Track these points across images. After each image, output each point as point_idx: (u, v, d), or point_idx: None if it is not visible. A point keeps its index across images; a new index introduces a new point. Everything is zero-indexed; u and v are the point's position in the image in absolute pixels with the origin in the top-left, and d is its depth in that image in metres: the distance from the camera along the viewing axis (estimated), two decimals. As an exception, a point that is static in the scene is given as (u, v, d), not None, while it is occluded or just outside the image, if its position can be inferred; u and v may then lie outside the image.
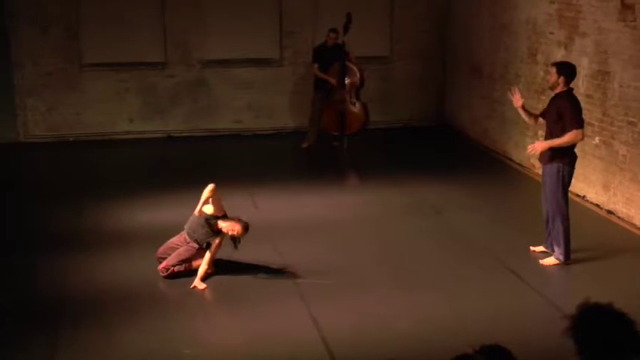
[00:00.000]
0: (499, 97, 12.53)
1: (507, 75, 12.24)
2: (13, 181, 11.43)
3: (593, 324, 3.26)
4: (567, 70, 7.84)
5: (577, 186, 10.33)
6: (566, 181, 7.93)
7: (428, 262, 8.22)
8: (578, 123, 7.72)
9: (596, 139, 9.85)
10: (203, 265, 7.65)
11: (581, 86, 10.16)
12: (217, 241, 7.72)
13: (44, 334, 6.67)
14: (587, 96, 10.02)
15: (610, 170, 9.60)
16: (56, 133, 13.46)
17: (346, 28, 12.39)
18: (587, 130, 9.98)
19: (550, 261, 8.06)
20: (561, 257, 8.00)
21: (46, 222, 9.50)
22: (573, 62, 10.27)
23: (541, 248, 8.31)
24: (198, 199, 7.78)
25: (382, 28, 14.26)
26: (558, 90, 7.84)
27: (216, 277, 7.77)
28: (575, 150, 8.00)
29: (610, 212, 9.59)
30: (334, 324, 6.83)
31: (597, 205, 9.86)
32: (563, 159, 7.86)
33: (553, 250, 8.13)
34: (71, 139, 13.52)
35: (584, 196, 10.16)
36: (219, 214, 7.75)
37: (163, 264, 7.77)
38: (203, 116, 13.93)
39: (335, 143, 12.76)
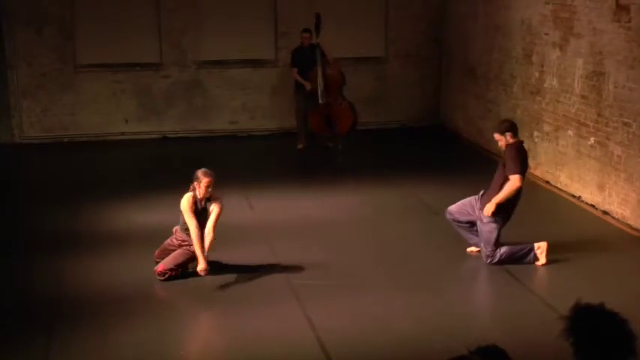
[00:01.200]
0: (494, 97, 12.55)
1: (502, 75, 12.26)
2: (8, 182, 11.41)
3: (585, 324, 3.27)
4: (507, 125, 8.10)
5: (572, 186, 10.35)
6: (498, 232, 8.01)
7: (424, 263, 8.23)
8: (518, 170, 7.89)
9: (591, 140, 9.87)
10: (208, 233, 7.59)
11: (576, 87, 10.19)
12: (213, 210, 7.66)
13: (39, 335, 6.65)
14: (582, 97, 10.04)
15: (605, 171, 9.62)
16: (51, 134, 13.45)
17: (317, 29, 12.34)
18: (583, 130, 10.03)
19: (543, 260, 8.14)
20: (532, 259, 8.12)
21: (41, 223, 9.49)
22: (568, 63, 10.33)
23: (473, 249, 8.36)
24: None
25: (377, 29, 14.27)
26: (508, 145, 8.02)
27: (211, 278, 7.76)
28: (516, 205, 8.05)
29: (605, 213, 9.61)
30: (330, 325, 6.83)
31: (592, 206, 9.88)
32: (500, 213, 7.96)
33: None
34: (66, 140, 13.51)
35: (579, 197, 10.18)
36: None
37: (160, 267, 7.76)
38: (198, 117, 13.93)
39: (330, 144, 12.76)
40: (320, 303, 7.30)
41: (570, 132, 10.38)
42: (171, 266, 7.74)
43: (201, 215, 7.70)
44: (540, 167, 11.20)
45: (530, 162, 11.39)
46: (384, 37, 14.34)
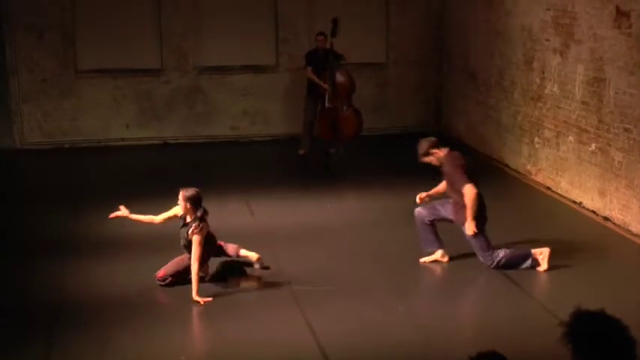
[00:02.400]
0: (494, 103, 12.56)
1: (503, 82, 12.26)
2: (9, 188, 11.42)
3: (586, 331, 3.26)
4: (427, 145, 8.20)
5: (573, 192, 10.34)
6: (486, 236, 8.08)
7: (425, 269, 8.22)
8: (465, 180, 7.92)
9: (592, 146, 9.87)
10: (193, 274, 7.49)
11: (577, 93, 10.19)
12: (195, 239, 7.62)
13: (40, 339, 6.65)
14: (583, 103, 10.04)
15: (606, 177, 9.61)
16: (52, 140, 13.46)
17: (333, 33, 12.35)
18: (584, 136, 10.02)
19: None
20: (533, 263, 8.14)
21: (42, 228, 9.49)
22: (568, 69, 10.33)
23: (434, 257, 8.36)
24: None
25: (378, 35, 14.28)
26: (442, 160, 8.10)
27: (212, 284, 7.76)
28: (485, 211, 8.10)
29: (606, 219, 9.60)
30: (330, 330, 6.82)
31: (593, 212, 9.87)
32: (478, 220, 8.00)
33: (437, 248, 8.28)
34: (67, 145, 13.52)
35: (580, 203, 10.17)
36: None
37: (161, 272, 7.76)
38: (199, 123, 13.93)
39: (331, 150, 12.75)
40: (321, 308, 7.29)
41: (571, 138, 10.38)
42: (172, 272, 7.74)
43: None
44: (541, 173, 11.20)
45: (531, 168, 11.42)
46: (384, 42, 14.34)
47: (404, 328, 6.93)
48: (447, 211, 8.24)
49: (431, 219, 8.31)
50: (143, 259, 8.40)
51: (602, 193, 9.72)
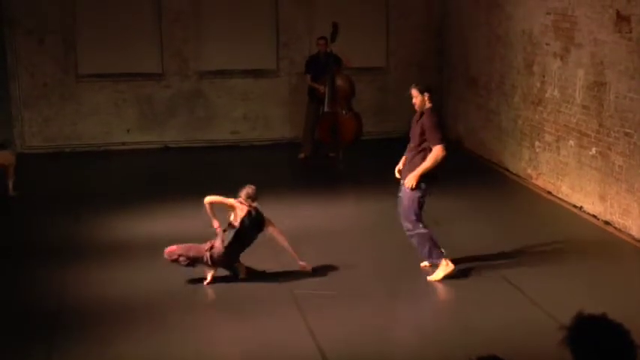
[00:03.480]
0: (495, 107, 12.56)
1: (503, 86, 12.27)
2: (9, 192, 11.41)
3: (588, 335, 3.26)
4: (428, 85, 8.04)
5: (574, 197, 10.34)
6: (422, 201, 7.88)
7: (425, 273, 8.21)
8: (440, 139, 7.75)
9: (593, 150, 9.87)
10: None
11: (577, 97, 10.19)
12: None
13: (40, 345, 6.64)
14: (584, 107, 10.04)
15: (607, 181, 9.61)
16: (53, 144, 13.47)
17: (333, 38, 12.38)
18: (584, 140, 10.02)
19: (437, 276, 7.91)
20: (435, 261, 7.93)
21: (42, 233, 9.49)
22: (569, 73, 10.34)
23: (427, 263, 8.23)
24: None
25: (378, 39, 14.29)
26: (426, 107, 7.91)
27: (213, 288, 7.77)
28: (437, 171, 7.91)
29: (607, 223, 9.60)
30: (331, 334, 6.82)
31: (594, 216, 9.87)
32: (424, 181, 7.81)
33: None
34: (68, 149, 13.52)
35: (581, 207, 10.17)
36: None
37: (173, 247, 7.77)
38: (200, 127, 13.95)
39: (331, 154, 12.76)
40: (321, 312, 7.29)
41: (571, 142, 10.38)
42: (182, 252, 7.73)
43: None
44: (542, 177, 11.20)
45: (532, 172, 11.42)
46: (385, 47, 14.36)
47: (404, 332, 6.93)
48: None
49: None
50: (144, 264, 8.41)
51: (602, 198, 9.72)
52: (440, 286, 7.88)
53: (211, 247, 7.78)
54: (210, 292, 7.72)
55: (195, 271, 7.92)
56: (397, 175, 8.17)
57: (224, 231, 7.80)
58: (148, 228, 9.61)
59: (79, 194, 11.14)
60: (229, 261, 7.85)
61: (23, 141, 13.45)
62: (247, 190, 7.94)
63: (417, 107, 8.00)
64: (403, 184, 7.94)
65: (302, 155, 13.01)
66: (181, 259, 7.75)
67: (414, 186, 7.78)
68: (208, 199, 7.85)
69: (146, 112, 13.79)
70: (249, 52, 13.86)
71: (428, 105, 7.91)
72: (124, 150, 13.56)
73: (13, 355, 6.50)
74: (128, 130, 13.71)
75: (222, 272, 7.93)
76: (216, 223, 7.88)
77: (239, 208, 7.78)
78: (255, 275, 8.02)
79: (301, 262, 7.98)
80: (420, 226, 7.91)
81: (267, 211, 10.23)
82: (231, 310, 7.46)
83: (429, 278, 7.90)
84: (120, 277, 8.11)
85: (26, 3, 13.17)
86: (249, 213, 7.79)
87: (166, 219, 9.87)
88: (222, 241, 7.75)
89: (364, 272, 8.28)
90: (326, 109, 12.43)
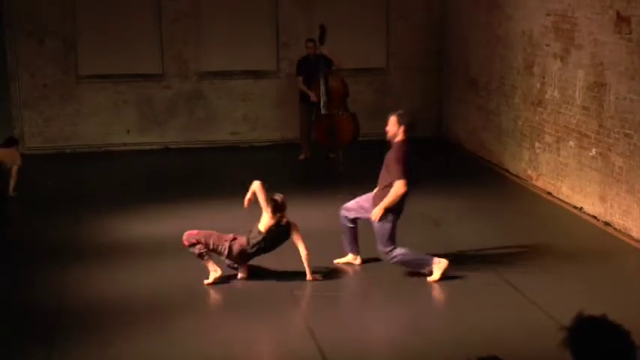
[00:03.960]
0: (495, 108, 12.57)
1: (503, 87, 12.27)
2: (9, 193, 11.42)
3: (588, 336, 3.26)
4: (408, 119, 7.98)
5: (574, 198, 10.35)
6: (392, 230, 7.90)
7: (425, 273, 8.21)
8: (402, 175, 7.73)
9: (593, 151, 9.87)
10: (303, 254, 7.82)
11: (577, 98, 10.20)
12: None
13: (40, 346, 6.64)
14: (584, 108, 10.05)
15: (607, 182, 9.61)
16: (53, 145, 13.47)
17: (322, 39, 12.38)
18: (584, 141, 10.03)
19: (435, 276, 7.91)
20: (428, 269, 7.92)
21: (43, 234, 9.49)
22: (569, 74, 10.35)
23: (346, 259, 8.32)
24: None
25: (378, 40, 14.29)
26: (397, 139, 7.89)
27: (213, 288, 7.77)
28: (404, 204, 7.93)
29: (607, 224, 9.60)
30: (331, 335, 6.82)
31: (594, 217, 9.87)
32: (392, 212, 7.84)
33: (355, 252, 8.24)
34: (68, 150, 13.52)
35: (581, 208, 10.17)
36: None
37: (193, 232, 7.79)
38: (200, 128, 13.95)
39: (331, 155, 12.77)
40: (321, 313, 7.30)
41: (571, 143, 10.38)
42: (201, 239, 7.75)
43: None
44: (542, 178, 11.20)
45: (532, 173, 11.42)
46: (385, 48, 14.36)
47: (404, 332, 6.93)
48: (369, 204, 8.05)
49: (354, 216, 8.21)
50: (144, 264, 8.41)
51: (602, 199, 9.72)
52: (439, 287, 7.88)
53: (234, 239, 7.78)
54: (210, 292, 7.72)
55: (194, 272, 7.92)
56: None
57: (250, 231, 7.80)
58: (147, 228, 9.61)
59: (79, 195, 11.14)
60: (244, 260, 7.87)
61: (23, 142, 13.44)
62: (277, 199, 7.88)
63: (388, 135, 7.98)
64: (372, 208, 7.95)
65: (302, 156, 13.01)
66: (198, 246, 7.75)
67: (377, 219, 7.83)
68: (257, 186, 7.88)
69: (146, 113, 13.79)
70: (249, 53, 13.87)
71: (399, 137, 7.89)
72: (124, 151, 13.56)
73: (13, 355, 6.51)
74: (128, 131, 13.72)
75: (223, 273, 7.92)
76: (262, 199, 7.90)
77: (270, 217, 7.78)
78: (256, 275, 8.02)
79: (313, 275, 7.93)
80: (397, 250, 7.91)
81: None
82: (232, 310, 7.46)
83: (428, 279, 7.90)
84: (120, 278, 8.12)
85: (26, 4, 13.18)
86: (277, 224, 7.77)
87: (166, 219, 9.87)
88: (248, 240, 7.77)
89: (365, 273, 8.28)
90: (322, 111, 12.41)
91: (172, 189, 11.35)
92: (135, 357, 6.51)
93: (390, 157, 7.85)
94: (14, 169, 10.84)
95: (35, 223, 9.92)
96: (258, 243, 7.74)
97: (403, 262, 7.95)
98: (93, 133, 13.62)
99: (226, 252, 7.77)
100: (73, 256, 8.71)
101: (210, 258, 7.81)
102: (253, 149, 13.88)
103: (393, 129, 7.89)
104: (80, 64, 13.49)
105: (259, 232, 7.76)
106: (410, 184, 7.78)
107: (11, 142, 11.28)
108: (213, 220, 9.72)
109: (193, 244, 7.74)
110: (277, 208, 7.80)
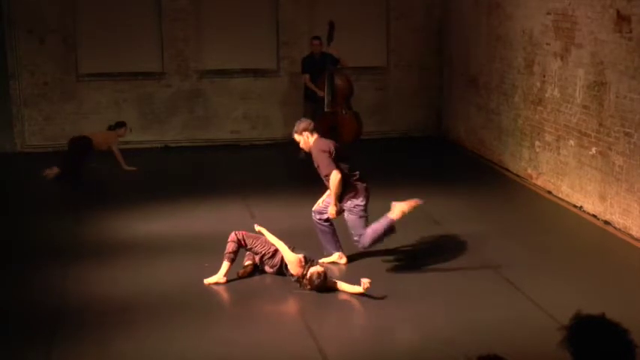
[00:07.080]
0: (495, 107, 12.57)
1: (503, 85, 12.27)
2: (10, 192, 11.43)
3: (587, 335, 3.27)
4: (304, 125, 8.10)
5: (574, 197, 10.35)
6: (363, 218, 8.03)
7: (425, 273, 8.22)
8: (330, 165, 7.88)
9: (593, 150, 9.87)
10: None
11: (577, 97, 10.20)
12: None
13: (40, 345, 6.64)
14: (584, 107, 10.05)
15: (607, 181, 9.61)
16: (53, 143, 13.45)
17: (330, 37, 12.36)
18: (584, 140, 10.03)
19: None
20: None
21: (43, 232, 9.50)
22: (569, 73, 10.35)
23: (331, 259, 8.38)
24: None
25: (379, 39, 14.30)
26: (313, 144, 8.04)
27: (213, 288, 7.77)
28: (359, 184, 8.06)
29: (607, 223, 9.60)
30: (331, 334, 6.83)
31: (594, 216, 9.88)
32: (349, 195, 7.98)
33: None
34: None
35: (580, 207, 10.18)
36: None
37: (242, 233, 7.88)
38: (200, 126, 13.95)
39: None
40: (321, 313, 7.30)
41: (572, 142, 10.38)
42: (248, 238, 7.88)
43: None
44: (542, 177, 11.21)
45: (532, 172, 11.43)
46: (385, 46, 14.36)
47: (404, 332, 6.93)
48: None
49: (328, 216, 8.25)
50: (144, 264, 8.41)
51: (602, 197, 9.72)
52: (439, 287, 7.88)
53: (274, 253, 7.85)
54: (210, 292, 7.71)
55: (194, 271, 7.92)
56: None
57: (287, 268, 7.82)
58: (148, 227, 9.61)
59: (79, 193, 11.13)
60: (278, 271, 7.92)
61: (23, 140, 13.46)
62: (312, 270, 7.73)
63: (305, 149, 8.16)
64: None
65: (302, 155, 12.99)
66: (234, 246, 7.78)
67: (334, 216, 8.05)
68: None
69: (146, 112, 13.80)
70: (249, 52, 13.87)
71: (312, 139, 8.05)
72: (125, 149, 13.52)
73: (13, 355, 6.51)
74: (130, 129, 13.69)
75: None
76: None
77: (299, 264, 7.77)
78: (255, 275, 8.02)
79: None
80: (363, 241, 8.06)
81: (267, 211, 10.26)
82: (232, 309, 7.45)
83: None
84: (120, 277, 8.12)
85: (27, 2, 13.18)
86: (310, 281, 7.61)
87: (167, 218, 9.87)
88: (280, 267, 7.86)
89: (365, 272, 8.27)
90: (326, 109, 12.41)
91: (172, 187, 11.35)
92: (134, 356, 6.51)
93: (314, 158, 8.06)
94: (114, 149, 11.99)
95: (36, 221, 9.91)
96: (296, 280, 7.76)
97: (375, 238, 8.04)
98: (93, 131, 13.58)
99: (258, 256, 7.89)
100: (73, 255, 8.71)
101: (231, 264, 7.80)
102: (253, 148, 13.89)
103: (301, 141, 8.12)
104: (80, 63, 13.49)
105: (292, 276, 7.76)
106: (342, 163, 7.93)
107: (117, 125, 12.31)
108: (212, 218, 9.74)
109: (237, 240, 7.80)
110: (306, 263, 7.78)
